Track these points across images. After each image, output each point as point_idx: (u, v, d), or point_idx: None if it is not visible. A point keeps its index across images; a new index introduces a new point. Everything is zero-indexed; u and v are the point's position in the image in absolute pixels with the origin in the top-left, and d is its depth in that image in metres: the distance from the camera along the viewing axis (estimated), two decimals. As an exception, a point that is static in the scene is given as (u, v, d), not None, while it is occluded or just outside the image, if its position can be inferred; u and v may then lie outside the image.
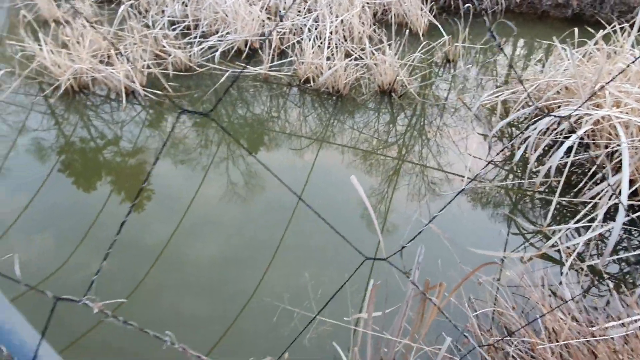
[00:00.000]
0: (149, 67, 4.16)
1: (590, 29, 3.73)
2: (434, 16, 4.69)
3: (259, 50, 4.39)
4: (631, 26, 3.51)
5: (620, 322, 1.91)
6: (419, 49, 3.96)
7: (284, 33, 4.41)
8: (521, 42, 4.83)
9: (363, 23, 4.38)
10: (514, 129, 3.53)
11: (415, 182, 2.95)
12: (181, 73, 4.25)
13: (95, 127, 3.55)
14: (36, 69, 4.18)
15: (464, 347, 1.88)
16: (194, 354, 0.64)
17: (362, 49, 4.05)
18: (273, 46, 4.21)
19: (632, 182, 2.71)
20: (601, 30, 3.46)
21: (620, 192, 2.38)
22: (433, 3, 4.78)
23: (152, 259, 2.29)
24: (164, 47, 4.35)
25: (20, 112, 3.77)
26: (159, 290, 2.11)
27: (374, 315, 1.40)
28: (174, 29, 4.74)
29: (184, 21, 4.79)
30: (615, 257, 2.41)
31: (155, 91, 3.94)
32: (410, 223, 2.59)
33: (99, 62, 4.17)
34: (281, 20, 4.54)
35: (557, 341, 1.80)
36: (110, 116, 3.71)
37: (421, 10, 4.57)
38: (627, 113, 2.77)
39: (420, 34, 4.58)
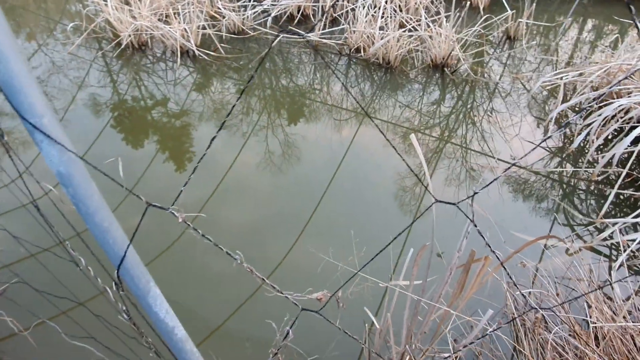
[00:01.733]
0: (204, 27, 4.22)
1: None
2: (498, -11, 4.46)
3: (312, 17, 4.35)
4: None
5: None
6: (479, 22, 3.78)
7: (337, 0, 4.33)
8: (590, 23, 4.51)
9: (421, -7, 4.23)
10: (574, 114, 3.35)
11: (456, 163, 2.88)
12: (234, 35, 4.29)
13: (145, 86, 3.67)
14: (100, 24, 4.34)
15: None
16: (259, 276, 0.68)
17: (418, 21, 3.92)
18: (326, 13, 4.15)
19: None
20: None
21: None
22: (498, -25, 4.53)
23: (189, 218, 2.38)
24: (219, 9, 4.38)
25: (81, 67, 3.95)
26: (194, 252, 2.20)
27: (415, 284, 1.41)
28: (229, -9, 4.76)
29: (239, -16, 4.80)
30: None
31: (208, 52, 4.01)
32: (451, 200, 2.54)
33: (157, 20, 4.27)
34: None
35: (601, 337, 1.74)
36: (164, 75, 3.82)
37: (484, -18, 4.35)
38: None
39: (481, 8, 4.37)
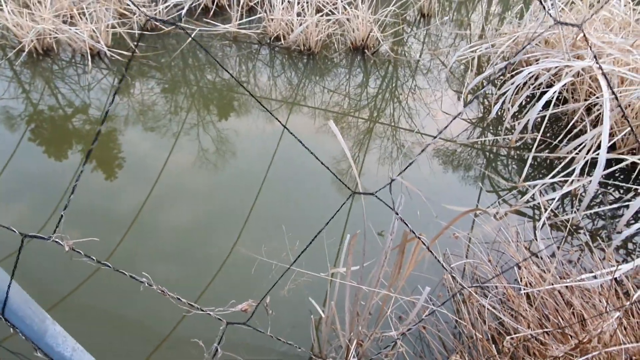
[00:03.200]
0: (113, 26, 3.96)
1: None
2: (409, -32, 4.56)
3: (227, 7, 4.21)
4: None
5: (592, 274, 1.99)
6: (392, 2, 3.86)
7: (253, -12, 4.23)
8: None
9: (335, -24, 4.22)
10: (490, 86, 3.53)
11: (387, 142, 2.94)
12: (147, 32, 4.06)
13: (62, 93, 3.39)
14: (-5, 31, 3.94)
15: (439, 299, 1.94)
16: (172, 296, 0.64)
17: (334, 4, 3.93)
18: (241, 2, 4.04)
19: (610, 136, 2.75)
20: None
21: (599, 145, 2.36)
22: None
23: (124, 227, 2.25)
24: (128, 5, 4.12)
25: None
26: (132, 258, 2.09)
27: (352, 269, 1.42)
28: (136, -14, 4.48)
29: (146, -23, 4.53)
30: (591, 211, 2.46)
31: (121, 52, 3.77)
32: (384, 181, 2.60)
33: (62, 22, 3.94)
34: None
35: (532, 297, 1.86)
36: (77, 80, 3.55)
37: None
38: (610, 64, 2.75)
39: (394, -12, 4.45)
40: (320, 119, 3.08)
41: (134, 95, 3.36)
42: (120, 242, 2.18)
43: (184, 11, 4.14)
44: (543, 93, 3.05)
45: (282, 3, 3.86)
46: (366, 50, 3.75)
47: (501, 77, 3.48)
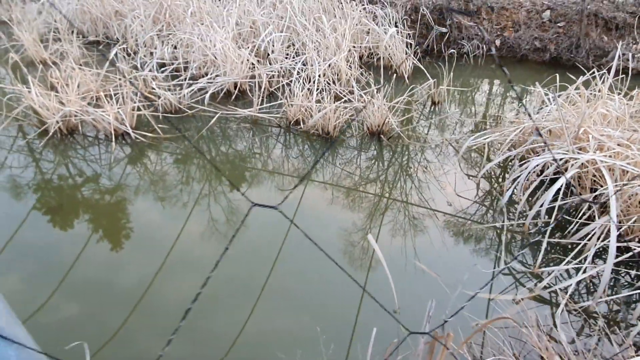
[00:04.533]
0: (138, 109, 4.16)
1: (569, 74, 3.91)
2: (419, 60, 4.86)
3: (248, 92, 4.45)
4: (608, 71, 3.70)
5: None
6: (406, 92, 4.08)
7: (273, 76, 4.49)
8: (497, 84, 5.04)
9: (350, 66, 4.50)
10: (501, 170, 3.62)
11: (403, 222, 2.97)
12: (171, 115, 4.26)
13: (85, 172, 3.50)
14: (23, 111, 4.13)
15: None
16: None
17: (351, 92, 4.15)
18: (262, 88, 4.27)
19: (618, 223, 2.79)
20: (581, 76, 3.64)
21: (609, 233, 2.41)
22: (417, 47, 4.96)
23: (130, 302, 2.24)
24: (154, 89, 4.37)
25: (5, 156, 3.70)
26: (135, 337, 2.05)
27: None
28: (162, 71, 4.78)
29: (172, 63, 4.84)
30: (607, 297, 2.44)
31: (145, 133, 3.93)
32: (409, 269, 2.59)
33: (87, 104, 4.16)
34: (270, 64, 4.64)
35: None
36: (99, 159, 3.67)
37: (406, 54, 4.73)
38: (610, 157, 2.87)
39: (406, 77, 4.72)
40: (339, 195, 3.17)
41: (154, 170, 3.48)
42: (125, 321, 2.16)
43: (207, 95, 4.37)
44: (552, 180, 3.13)
45: (302, 90, 4.08)
46: (382, 136, 3.90)
47: (510, 164, 3.58)
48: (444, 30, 5.08)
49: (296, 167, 3.55)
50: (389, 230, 2.91)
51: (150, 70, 4.75)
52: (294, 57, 4.64)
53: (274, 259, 2.59)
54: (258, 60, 4.70)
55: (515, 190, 3.20)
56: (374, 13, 5.05)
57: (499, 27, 5.15)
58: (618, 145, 2.91)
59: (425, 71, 4.34)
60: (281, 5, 5.11)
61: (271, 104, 4.29)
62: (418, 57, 4.93)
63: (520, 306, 2.36)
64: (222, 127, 4.09)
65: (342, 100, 4.01)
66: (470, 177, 3.49)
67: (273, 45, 4.88)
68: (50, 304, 2.26)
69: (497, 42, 5.12)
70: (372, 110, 3.85)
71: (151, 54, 5.21)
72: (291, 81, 4.18)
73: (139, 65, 5.00)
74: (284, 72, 4.64)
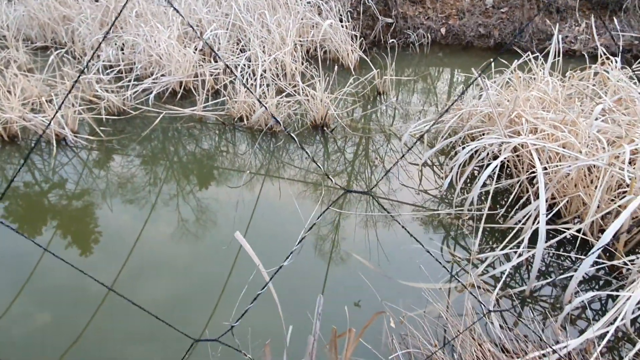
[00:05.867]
0: (80, 112, 4.11)
1: (502, 59, 3.99)
2: (364, 51, 4.90)
3: (194, 91, 4.43)
4: (545, 55, 3.78)
5: (542, 352, 1.98)
6: (349, 83, 4.11)
7: (218, 73, 4.48)
8: (447, 72, 5.11)
9: (295, 60, 4.51)
10: (445, 157, 3.68)
11: (346, 212, 3.01)
12: (114, 117, 4.21)
13: (26, 177, 3.45)
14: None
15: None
16: None
17: (294, 86, 4.16)
18: (207, 86, 4.26)
19: (554, 205, 2.84)
20: (516, 60, 3.71)
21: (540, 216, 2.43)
22: (362, 39, 5.00)
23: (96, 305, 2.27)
24: (97, 91, 4.31)
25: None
26: (104, 340, 2.07)
27: None
28: (108, 74, 4.72)
29: (118, 65, 4.79)
30: (543, 281, 2.48)
31: (87, 137, 3.89)
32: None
33: (30, 110, 4.09)
34: (216, 62, 4.62)
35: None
36: (42, 164, 3.62)
37: (351, 46, 4.76)
38: (543, 139, 2.91)
39: (352, 69, 4.76)
40: (297, 186, 3.20)
41: (112, 169, 3.49)
42: (89, 323, 2.18)
43: (151, 96, 4.33)
44: (489, 166, 3.18)
45: (245, 86, 4.07)
46: (325, 128, 3.93)
47: (452, 151, 3.63)
48: (389, 20, 5.13)
49: (246, 162, 3.56)
50: (330, 221, 2.95)
51: (95, 73, 4.69)
52: (238, 55, 4.64)
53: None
54: (204, 59, 4.68)
55: (455, 179, 3.24)
56: (319, 7, 5.07)
57: (443, 15, 5.22)
58: (554, 127, 2.95)
59: (370, 62, 4.38)
60: (226, 3, 5.09)
61: (215, 101, 4.27)
62: (364, 48, 4.97)
63: (456, 294, 2.41)
64: (166, 127, 4.06)
65: (284, 94, 4.02)
66: (413, 165, 3.54)
67: (219, 43, 4.86)
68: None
69: (443, 30, 5.19)
70: (314, 103, 3.87)
71: (98, 56, 5.14)
72: (235, 78, 4.17)
73: (85, 69, 4.93)
74: (230, 69, 4.62)
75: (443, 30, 5.18)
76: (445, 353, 2.02)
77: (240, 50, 4.76)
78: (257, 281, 2.33)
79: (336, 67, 4.30)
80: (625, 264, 2.30)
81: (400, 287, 2.41)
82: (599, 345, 1.88)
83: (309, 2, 5.04)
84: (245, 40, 4.86)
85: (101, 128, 3.97)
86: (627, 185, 2.43)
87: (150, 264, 2.59)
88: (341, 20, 4.99)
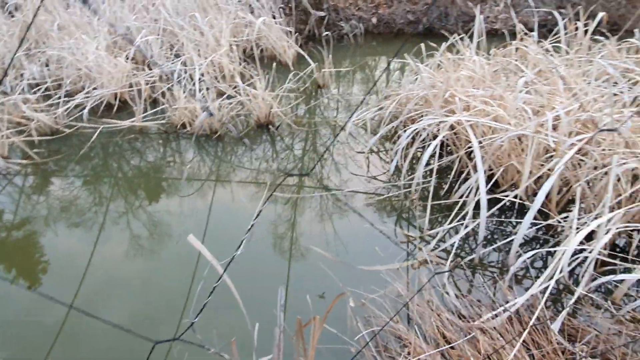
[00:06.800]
0: (8, 136, 3.87)
1: (432, 43, 4.16)
2: (300, 46, 4.94)
3: (130, 102, 4.29)
4: (471, 36, 3.99)
5: (494, 312, 2.13)
6: (288, 79, 4.14)
7: (154, 81, 4.36)
8: (383, 60, 5.27)
9: (232, 61, 4.48)
10: (389, 142, 3.81)
11: (299, 205, 3.05)
12: (48, 137, 4.00)
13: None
14: None
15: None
16: None
17: (235, 87, 4.14)
18: (144, 96, 4.13)
19: (492, 175, 3.02)
20: (444, 43, 3.89)
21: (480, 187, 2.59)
22: (297, 34, 5.04)
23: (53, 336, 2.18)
24: (24, 112, 4.07)
25: None
26: None
27: None
28: (34, 92, 4.46)
29: (44, 82, 4.54)
30: (489, 248, 2.66)
31: (20, 161, 3.68)
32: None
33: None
34: (150, 69, 4.50)
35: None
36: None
37: (287, 42, 4.79)
38: (476, 115, 3.08)
39: (290, 65, 4.79)
40: (250, 188, 3.19)
41: (52, 193, 3.33)
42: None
43: (85, 111, 4.15)
44: (429, 146, 3.32)
45: (184, 92, 4.00)
46: (270, 126, 3.94)
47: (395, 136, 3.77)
48: (322, 14, 5.20)
49: (194, 170, 3.51)
50: (283, 215, 2.98)
51: (20, 94, 4.42)
52: (174, 60, 4.54)
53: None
54: (137, 67, 4.53)
55: (400, 162, 3.36)
56: (250, 5, 5.05)
57: (373, 5, 5.37)
58: (485, 103, 3.13)
59: (307, 56, 4.42)
60: (154, 8, 4.95)
61: (155, 110, 4.16)
62: (300, 43, 5.01)
63: (412, 272, 2.52)
64: (106, 142, 3.91)
65: (225, 96, 3.99)
66: (360, 154, 3.64)
67: (152, 50, 4.73)
68: None
69: (374, 20, 5.33)
70: (256, 103, 3.87)
71: (21, 75, 4.84)
72: (172, 84, 4.08)
73: (8, 90, 4.63)
74: (166, 76, 4.52)
75: (374, 20, 5.33)
76: (408, 328, 2.13)
77: (175, 55, 4.66)
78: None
79: (274, 64, 4.30)
80: (559, 222, 2.51)
81: (361, 273, 2.49)
82: (542, 298, 2.05)
83: (239, 1, 5.00)
84: (178, 45, 4.75)
85: (34, 150, 3.77)
86: (554, 150, 2.64)
87: (107, 285, 2.52)
88: (274, 17, 5.00)
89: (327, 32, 4.93)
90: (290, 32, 4.89)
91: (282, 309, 1.31)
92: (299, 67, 4.72)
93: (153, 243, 2.83)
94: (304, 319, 1.64)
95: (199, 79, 4.14)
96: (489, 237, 2.81)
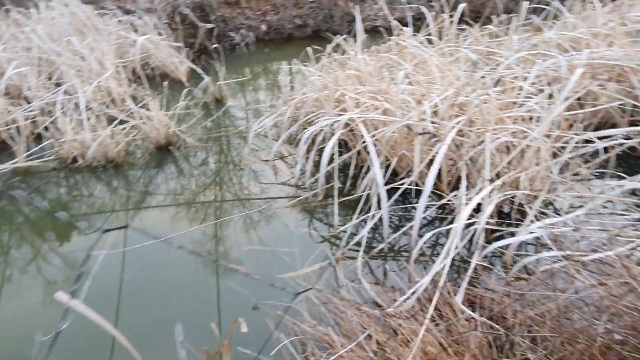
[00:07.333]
0: None
1: (321, 45, 4.31)
2: (192, 61, 4.85)
3: (10, 141, 3.92)
4: (354, 36, 4.18)
5: (406, 295, 2.26)
6: (182, 96, 4.05)
7: (34, 116, 4.03)
8: (277, 65, 5.34)
9: (120, 84, 4.28)
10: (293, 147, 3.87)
11: (210, 222, 3.01)
12: None
13: None
14: None
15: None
16: None
17: (127, 111, 3.96)
18: (25, 133, 3.81)
19: (389, 166, 3.19)
20: (328, 44, 4.04)
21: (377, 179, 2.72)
22: (188, 48, 4.94)
23: None
24: None
25: None
26: None
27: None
28: None
29: None
30: (396, 234, 2.80)
31: None
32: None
33: None
34: (28, 102, 4.15)
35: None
36: None
37: (177, 58, 4.68)
38: (366, 111, 3.23)
39: (185, 81, 4.68)
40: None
41: None
42: None
43: (-44, 159, 3.72)
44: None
45: (71, 123, 3.74)
46: (171, 147, 3.83)
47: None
48: (210, 26, 5.15)
49: (95, 205, 3.30)
50: (197, 232, 2.92)
51: None
52: (55, 90, 4.23)
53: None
54: (12, 103, 4.15)
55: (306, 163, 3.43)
56: (132, 23, 4.85)
57: (260, 12, 5.42)
58: (373, 98, 3.29)
59: (199, 70, 4.35)
60: (24, 36, 4.56)
61: (41, 145, 3.85)
62: (192, 58, 4.92)
63: (331, 270, 2.59)
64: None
65: (117, 121, 3.80)
66: (266, 162, 3.66)
67: (29, 81, 4.36)
68: None
69: (264, 27, 5.39)
70: (152, 125, 3.74)
71: None
72: (55, 117, 3.80)
73: None
74: (49, 108, 4.19)
75: (264, 27, 5.38)
76: (329, 328, 2.20)
77: (56, 84, 4.34)
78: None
79: (166, 82, 4.18)
80: (450, 200, 2.75)
81: (282, 282, 2.52)
82: (443, 274, 2.23)
83: (119, 21, 4.78)
84: (58, 73, 4.43)
85: None
86: (435, 135, 2.88)
87: None
88: (160, 34, 4.85)
89: (216, 44, 4.89)
90: (180, 47, 4.78)
91: (182, 347, 1.30)
92: (194, 83, 4.63)
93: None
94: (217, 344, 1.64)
95: (86, 106, 3.90)
96: (397, 223, 2.98)
